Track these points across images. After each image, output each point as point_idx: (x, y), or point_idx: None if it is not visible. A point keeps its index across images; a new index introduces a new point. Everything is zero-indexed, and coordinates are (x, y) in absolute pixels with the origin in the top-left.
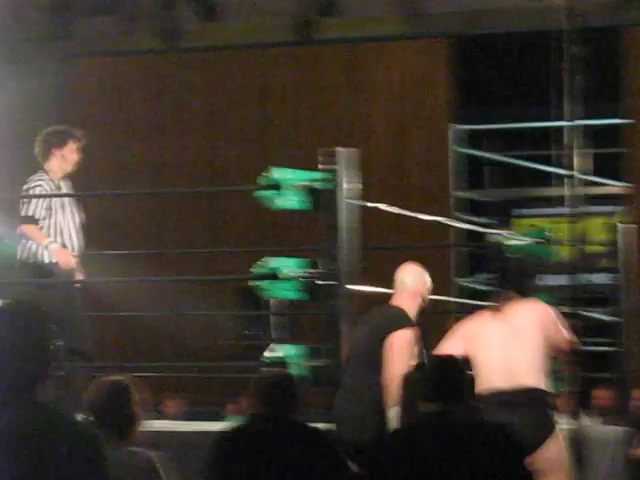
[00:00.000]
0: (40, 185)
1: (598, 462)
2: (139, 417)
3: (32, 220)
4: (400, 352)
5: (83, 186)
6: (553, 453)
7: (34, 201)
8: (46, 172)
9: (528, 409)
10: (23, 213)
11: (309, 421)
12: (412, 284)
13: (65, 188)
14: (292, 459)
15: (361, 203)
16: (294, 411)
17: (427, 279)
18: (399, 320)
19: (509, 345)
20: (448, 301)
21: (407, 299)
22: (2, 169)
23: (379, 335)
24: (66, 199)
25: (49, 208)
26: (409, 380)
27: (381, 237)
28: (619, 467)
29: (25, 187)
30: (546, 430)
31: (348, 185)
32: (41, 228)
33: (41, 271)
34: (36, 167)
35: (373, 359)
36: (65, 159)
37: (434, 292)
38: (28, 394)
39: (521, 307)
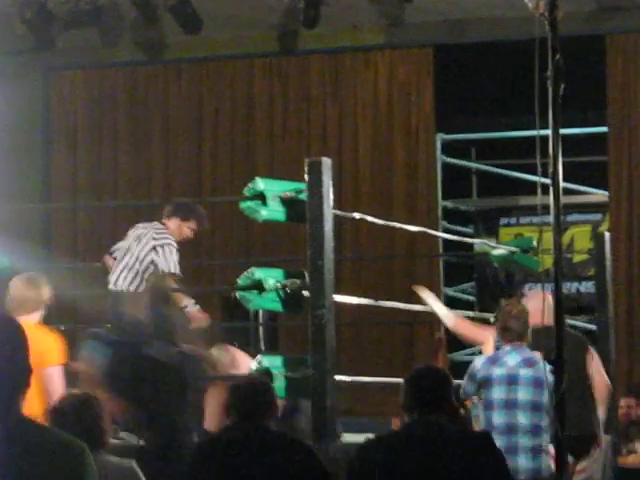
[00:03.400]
0: (173, 245)
1: (588, 471)
2: (108, 427)
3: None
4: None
5: (70, 198)
6: None
7: (174, 256)
8: (166, 227)
9: None
10: (171, 269)
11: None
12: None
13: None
14: (270, 468)
15: (348, 214)
16: (271, 419)
17: None
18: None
19: None
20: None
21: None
22: None
23: (581, 350)
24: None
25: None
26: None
27: (368, 247)
28: (609, 475)
29: (159, 238)
30: None
31: (332, 195)
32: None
33: None
34: (21, 179)
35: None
36: (181, 231)
37: (420, 302)
38: (9, 409)
39: None
